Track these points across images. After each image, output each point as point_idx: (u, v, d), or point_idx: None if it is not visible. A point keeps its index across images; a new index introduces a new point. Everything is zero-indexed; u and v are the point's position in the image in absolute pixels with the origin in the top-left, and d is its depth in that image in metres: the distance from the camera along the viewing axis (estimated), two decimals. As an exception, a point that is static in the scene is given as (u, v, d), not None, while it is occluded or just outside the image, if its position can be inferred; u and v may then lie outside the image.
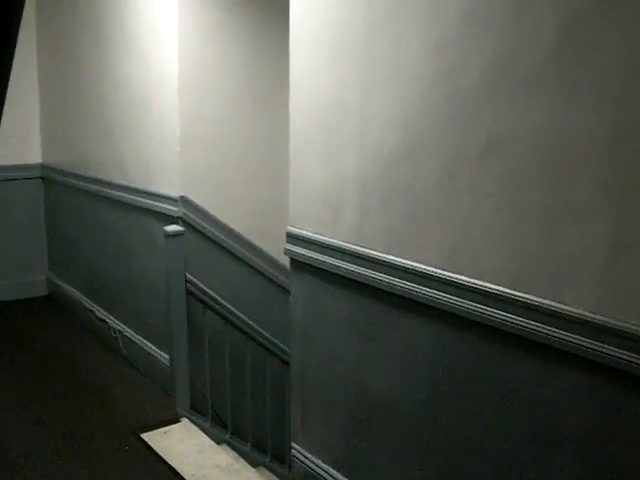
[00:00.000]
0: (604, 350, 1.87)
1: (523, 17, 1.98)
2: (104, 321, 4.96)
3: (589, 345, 1.91)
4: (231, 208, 4.18)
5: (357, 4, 2.52)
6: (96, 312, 5.08)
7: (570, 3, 1.86)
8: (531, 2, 1.96)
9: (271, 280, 4.26)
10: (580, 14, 1.85)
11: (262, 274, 4.26)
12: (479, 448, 2.30)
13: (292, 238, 2.99)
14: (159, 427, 3.75)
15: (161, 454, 3.48)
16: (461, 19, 2.16)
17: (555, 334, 1.99)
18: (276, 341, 3.84)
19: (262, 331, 3.86)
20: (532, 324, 2.04)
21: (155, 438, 3.64)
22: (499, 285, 2.14)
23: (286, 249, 3.04)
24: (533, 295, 2.04)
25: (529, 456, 2.14)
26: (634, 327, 1.81)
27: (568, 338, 1.96)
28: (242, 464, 3.63)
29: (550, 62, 1.92)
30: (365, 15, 2.49)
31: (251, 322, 3.85)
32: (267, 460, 3.95)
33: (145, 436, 3.65)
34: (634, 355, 1.81)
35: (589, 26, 1.83)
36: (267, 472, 3.89)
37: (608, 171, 1.83)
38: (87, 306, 5.22)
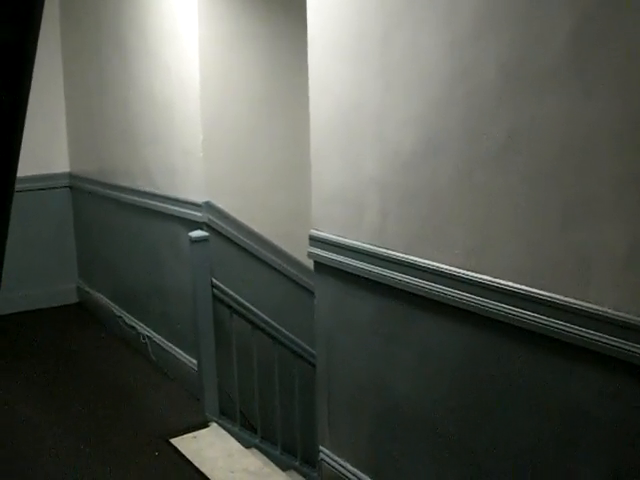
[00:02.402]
0: (628, 348, 1.85)
1: (537, 14, 1.97)
2: (133, 327, 4.99)
3: (613, 343, 1.89)
4: (255, 212, 4.19)
5: (373, 5, 2.52)
6: (125, 319, 5.12)
7: (585, -3, 1.85)
8: (546, -2, 1.94)
9: (297, 283, 4.26)
10: (593, 8, 1.83)
11: (287, 277, 4.26)
12: (506, 449, 2.28)
13: (315, 241, 2.99)
14: (188, 432, 3.76)
15: (190, 459, 3.50)
16: (476, 18, 2.15)
17: (578, 332, 1.97)
18: (303, 344, 3.84)
19: (289, 334, 3.86)
20: (555, 322, 2.03)
21: (184, 443, 3.66)
22: (521, 284, 2.12)
23: (309, 252, 3.04)
24: (555, 293, 2.03)
25: (555, 456, 2.12)
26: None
27: (591, 336, 1.94)
28: (272, 468, 3.64)
29: (565, 58, 1.91)
30: (381, 15, 2.49)
31: (278, 325, 3.85)
32: (297, 463, 3.95)
33: (174, 441, 3.67)
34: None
35: (603, 19, 1.81)
36: (297, 475, 3.89)
37: (628, 167, 1.80)
38: (116, 313, 5.26)
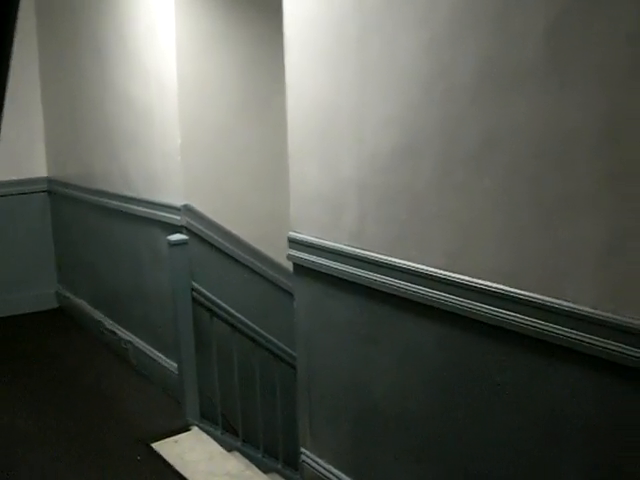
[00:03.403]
0: (606, 345, 1.86)
1: (514, 12, 1.98)
2: (113, 332, 4.97)
3: (591, 341, 1.90)
4: (235, 215, 4.18)
5: (349, 6, 2.52)
6: (105, 323, 5.09)
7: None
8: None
9: (277, 285, 4.25)
10: (568, 8, 1.84)
11: (267, 279, 4.26)
12: (486, 449, 2.28)
13: (294, 243, 2.99)
14: (169, 436, 3.75)
15: (172, 463, 3.48)
16: (453, 18, 2.15)
17: (557, 331, 1.97)
18: (284, 346, 3.83)
19: (269, 337, 3.85)
20: (535, 322, 2.03)
21: (165, 447, 3.64)
22: (500, 283, 2.13)
23: (288, 254, 3.04)
24: (534, 292, 2.03)
25: (535, 454, 2.13)
26: (636, 321, 1.79)
27: (571, 335, 1.94)
28: (253, 471, 3.63)
29: (543, 56, 1.92)
30: (358, 17, 2.49)
31: (258, 328, 3.84)
32: (279, 466, 3.95)
33: (155, 445, 3.65)
34: (637, 350, 1.80)
35: (580, 16, 1.82)
36: (279, 478, 3.88)
37: (606, 164, 1.81)
38: (96, 317, 5.23)
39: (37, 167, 5.82)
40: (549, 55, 1.90)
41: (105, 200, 4.80)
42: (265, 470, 3.78)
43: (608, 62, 1.77)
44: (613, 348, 1.85)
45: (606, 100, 1.79)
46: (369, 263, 2.60)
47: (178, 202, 3.96)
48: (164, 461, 3.51)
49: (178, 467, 3.45)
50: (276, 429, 3.94)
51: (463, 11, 2.12)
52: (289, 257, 3.04)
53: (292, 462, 3.96)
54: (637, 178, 1.75)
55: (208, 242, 4.07)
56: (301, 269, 2.99)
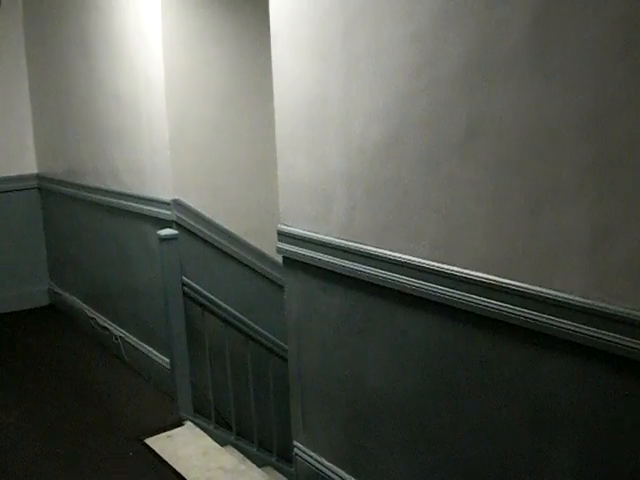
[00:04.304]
0: (595, 334, 1.86)
1: (497, 4, 1.97)
2: (106, 328, 4.96)
3: (580, 330, 1.89)
4: (225, 209, 4.17)
5: (335, 0, 2.51)
6: (98, 319, 5.08)
7: (543, -14, 1.85)
8: (505, -13, 1.94)
9: (268, 279, 4.25)
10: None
11: (259, 273, 4.25)
12: (479, 437, 2.29)
13: (283, 236, 2.98)
14: (163, 431, 3.75)
15: (165, 458, 3.48)
16: (437, 10, 2.14)
17: (546, 320, 1.97)
18: (276, 339, 3.83)
19: (261, 330, 3.85)
20: (523, 311, 2.03)
21: (159, 442, 3.64)
22: (489, 274, 2.13)
23: (278, 247, 3.03)
24: (523, 282, 2.03)
25: (527, 443, 2.13)
26: (624, 310, 1.79)
27: (559, 324, 1.94)
28: (248, 465, 3.63)
29: (527, 46, 1.91)
30: (343, 9, 2.48)
31: (250, 322, 3.84)
32: (273, 460, 3.95)
33: (149, 441, 3.65)
34: (625, 338, 1.79)
35: (562, 8, 1.81)
36: (274, 472, 3.88)
37: (590, 152, 1.81)
38: (88, 314, 5.22)
39: (27, 164, 5.81)
40: (534, 45, 1.89)
41: (95, 196, 4.78)
42: (259, 464, 3.78)
43: (592, 52, 1.77)
44: (602, 337, 1.84)
45: (591, 89, 1.78)
46: (359, 255, 2.59)
47: (168, 197, 3.95)
48: (157, 456, 3.50)
49: (172, 462, 3.45)
50: (270, 423, 3.94)
51: (448, 2, 2.11)
52: (279, 250, 3.03)
53: (287, 455, 3.96)
54: (623, 167, 1.74)
55: (199, 236, 4.06)
56: (291, 262, 2.98)
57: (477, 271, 2.16)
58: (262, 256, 4.21)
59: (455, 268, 2.23)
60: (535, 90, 1.90)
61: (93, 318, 5.14)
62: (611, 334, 1.82)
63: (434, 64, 2.18)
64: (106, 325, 4.96)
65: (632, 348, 1.78)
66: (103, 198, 4.67)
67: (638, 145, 1.71)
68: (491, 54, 2.00)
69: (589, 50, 1.77)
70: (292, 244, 2.92)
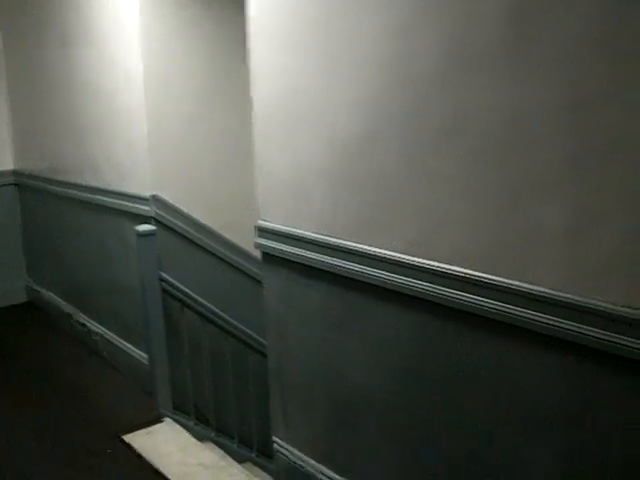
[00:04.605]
0: (573, 328, 1.86)
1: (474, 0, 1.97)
2: (84, 325, 4.93)
3: (557, 323, 1.89)
4: (204, 204, 4.15)
5: (313, -8, 2.50)
6: (76, 316, 5.05)
7: (520, -21, 1.85)
8: (482, -20, 1.94)
9: (247, 274, 4.24)
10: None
11: (237, 268, 4.24)
12: (459, 433, 2.29)
13: (262, 231, 2.96)
14: (141, 428, 3.73)
15: (144, 455, 3.46)
16: (416, 3, 2.13)
17: (524, 314, 1.97)
18: (255, 335, 3.82)
19: (240, 326, 3.84)
20: (503, 306, 2.03)
21: (137, 439, 3.62)
22: (468, 268, 2.12)
23: (256, 242, 3.01)
24: (501, 276, 2.03)
25: (507, 437, 2.13)
26: (600, 303, 1.79)
27: (537, 317, 1.94)
28: (227, 461, 3.62)
29: (502, 42, 1.91)
30: (322, 1, 2.47)
31: (229, 317, 3.83)
32: (253, 455, 3.94)
33: (127, 438, 3.63)
34: (601, 331, 1.80)
35: (539, 3, 1.81)
36: (254, 468, 3.87)
37: (567, 147, 1.81)
38: (67, 311, 5.19)
39: (4, 160, 5.76)
40: (512, 40, 1.89)
41: (73, 192, 4.75)
42: (240, 460, 3.77)
43: (570, 46, 1.77)
44: (580, 330, 1.85)
45: (568, 84, 1.78)
46: (339, 251, 2.58)
47: (146, 192, 3.92)
48: (136, 453, 3.49)
49: (151, 459, 3.43)
50: (250, 418, 3.93)
51: (419, 2, 2.11)
52: (257, 245, 3.02)
53: (267, 451, 3.95)
54: (600, 162, 1.75)
55: (177, 232, 4.04)
56: (270, 257, 2.97)
57: (456, 266, 2.15)
58: (240, 251, 4.20)
59: (434, 263, 2.22)
60: (514, 84, 1.90)
61: (71, 315, 5.11)
62: (587, 327, 1.83)
63: (413, 58, 2.17)
64: (84, 322, 4.93)
65: (608, 341, 1.79)
66: (81, 194, 4.63)
67: (615, 139, 1.71)
68: (470, 48, 2.00)
69: (567, 44, 1.77)
70: (271, 239, 2.91)
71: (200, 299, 3.80)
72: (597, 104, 1.73)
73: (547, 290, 1.91)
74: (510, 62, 1.90)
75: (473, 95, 2.01)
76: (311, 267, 2.74)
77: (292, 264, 2.83)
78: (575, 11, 1.74)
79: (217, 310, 3.81)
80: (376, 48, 2.28)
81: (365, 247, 2.46)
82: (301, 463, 3.02)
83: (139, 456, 3.46)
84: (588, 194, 1.79)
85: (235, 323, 3.83)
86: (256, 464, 3.91)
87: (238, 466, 3.61)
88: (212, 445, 3.80)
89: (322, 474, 2.91)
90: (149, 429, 3.72)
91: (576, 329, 1.85)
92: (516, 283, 1.98)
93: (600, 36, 1.71)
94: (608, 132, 1.72)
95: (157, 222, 3.90)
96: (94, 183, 4.46)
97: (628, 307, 1.75)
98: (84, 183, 4.58)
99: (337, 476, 2.85)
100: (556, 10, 1.78)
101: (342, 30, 2.41)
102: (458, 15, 2.02)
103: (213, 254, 4.16)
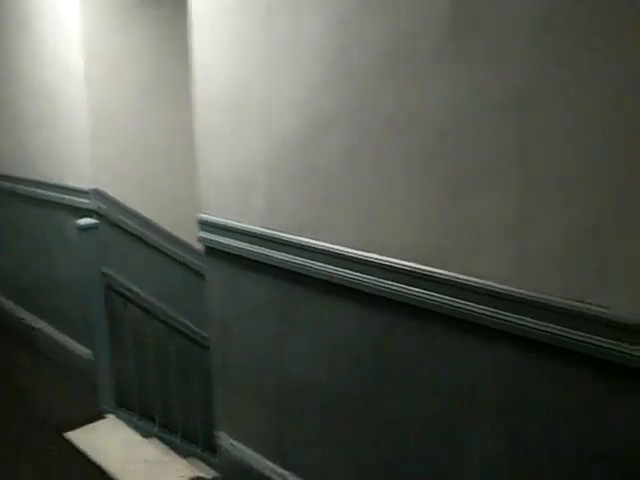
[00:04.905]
0: (516, 321, 1.88)
1: (416, -9, 1.97)
2: (25, 320, 4.84)
3: (501, 317, 1.91)
4: (148, 198, 4.10)
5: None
6: (18, 313, 4.96)
7: (459, -26, 1.86)
8: (422, -25, 1.95)
9: (191, 268, 4.21)
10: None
11: (181, 263, 4.21)
12: (403, 426, 2.30)
13: (204, 225, 2.94)
14: (84, 424, 3.68)
15: (86, 452, 3.42)
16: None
17: (468, 307, 1.99)
18: (199, 330, 3.79)
19: (184, 321, 3.81)
20: (445, 299, 2.04)
21: (80, 436, 3.57)
22: (411, 262, 2.13)
23: (199, 236, 2.99)
24: (444, 269, 2.04)
25: (451, 431, 2.15)
26: (544, 296, 1.82)
27: (482, 311, 1.96)
28: (171, 456, 3.59)
29: (448, 35, 1.92)
30: (263, -5, 2.46)
31: (173, 312, 3.80)
32: (199, 451, 3.92)
33: (70, 434, 3.58)
34: (546, 324, 1.82)
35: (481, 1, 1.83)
36: (199, 462, 3.85)
37: (512, 139, 1.83)
38: (8, 307, 5.09)
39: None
40: (454, 34, 1.90)
41: (14, 185, 4.66)
42: (184, 455, 3.75)
43: (512, 38, 1.79)
44: (522, 323, 1.87)
45: (511, 76, 1.80)
46: (280, 243, 2.57)
47: (87, 186, 3.87)
48: (78, 450, 3.44)
49: (93, 456, 3.39)
50: (195, 414, 3.91)
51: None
52: (199, 239, 3.00)
53: (212, 446, 3.93)
54: (543, 153, 1.77)
55: (120, 227, 3.99)
56: (212, 251, 2.95)
57: (399, 259, 2.16)
58: (185, 246, 4.17)
59: (376, 256, 2.23)
60: (456, 76, 1.91)
61: (14, 311, 5.02)
62: (532, 320, 1.85)
63: (355, 53, 2.17)
64: (25, 317, 4.85)
65: (552, 334, 1.82)
66: (22, 187, 4.55)
67: (558, 132, 1.74)
68: (412, 41, 2.00)
69: (509, 36, 1.79)
70: (214, 233, 2.89)
71: (144, 294, 3.76)
72: (540, 96, 1.76)
73: (490, 283, 1.93)
74: (452, 54, 1.91)
75: (417, 88, 2.02)
76: (255, 261, 2.73)
77: (235, 258, 2.82)
78: (517, 3, 1.76)
79: (161, 305, 3.77)
80: (320, 41, 2.28)
81: (310, 241, 2.46)
82: (245, 457, 3.02)
83: (81, 453, 3.42)
84: (531, 186, 1.81)
85: (180, 318, 3.80)
86: (201, 459, 3.88)
87: (182, 461, 3.58)
88: (156, 441, 3.77)
89: (266, 468, 2.91)
90: (91, 426, 3.68)
91: (521, 322, 1.87)
92: (461, 276, 2.00)
93: (542, 28, 1.73)
94: (550, 124, 1.75)
95: (100, 216, 3.85)
96: (34, 177, 4.38)
97: (571, 300, 1.78)
98: (25, 177, 4.50)
99: (282, 470, 2.85)
100: (496, 9, 1.80)
101: (285, 25, 2.40)
102: (400, 9, 2.02)
103: (158, 249, 4.13)
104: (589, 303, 1.75)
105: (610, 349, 1.72)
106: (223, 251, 2.87)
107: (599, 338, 1.74)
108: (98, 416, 3.76)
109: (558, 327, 1.81)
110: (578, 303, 1.76)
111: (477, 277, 1.97)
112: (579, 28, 1.67)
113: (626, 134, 1.63)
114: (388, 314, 2.27)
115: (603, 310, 1.73)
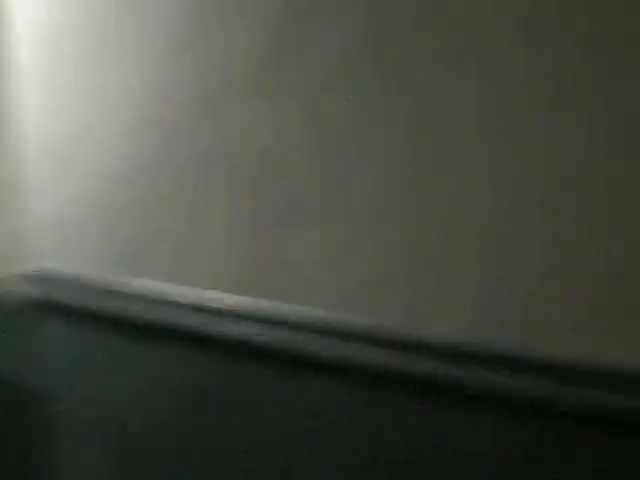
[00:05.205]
0: (342, 351, 1.88)
1: (230, 24, 1.99)
2: None
3: (328, 348, 1.91)
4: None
5: (68, 18, 2.41)
6: None
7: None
8: (235, 9, 1.96)
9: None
10: (287, 24, 1.88)
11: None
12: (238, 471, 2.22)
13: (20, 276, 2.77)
14: None
15: None
16: (168, 35, 2.14)
17: (292, 339, 1.98)
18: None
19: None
20: (271, 333, 2.02)
21: None
22: (234, 294, 2.10)
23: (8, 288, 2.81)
24: (270, 300, 2.03)
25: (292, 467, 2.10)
26: (363, 323, 1.84)
27: (305, 342, 1.95)
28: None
29: (255, 74, 1.96)
30: (77, 31, 2.39)
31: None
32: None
33: None
34: (369, 350, 1.84)
35: (296, 30, 1.86)
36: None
37: (319, 170, 1.87)
38: None
39: None
40: (266, 72, 1.93)
41: None
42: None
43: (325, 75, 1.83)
44: (345, 352, 1.87)
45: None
46: (95, 289, 2.47)
47: None
48: None
49: None
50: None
51: (179, 28, 2.10)
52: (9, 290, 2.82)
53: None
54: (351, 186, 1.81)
55: None
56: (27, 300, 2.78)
57: (218, 295, 2.13)
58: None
59: (192, 295, 2.19)
60: (273, 111, 1.95)
61: None
62: (358, 347, 1.86)
63: (165, 92, 2.17)
64: None
65: (375, 364, 1.83)
66: None
67: (367, 161, 1.78)
68: (220, 81, 2.03)
69: (320, 74, 1.83)
70: (25, 281, 2.73)
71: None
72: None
73: (315, 312, 1.93)
74: (267, 91, 1.95)
75: (230, 125, 2.04)
76: (66, 308, 2.57)
77: (47, 306, 2.66)
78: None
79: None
80: (130, 82, 2.25)
81: (127, 284, 2.38)
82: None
83: None
84: (346, 216, 1.84)
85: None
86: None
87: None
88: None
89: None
90: None
91: (344, 351, 1.87)
92: (277, 312, 2.00)
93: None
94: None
95: None
96: None
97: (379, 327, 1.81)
98: None
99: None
100: (308, 49, 1.85)
101: (96, 63, 2.36)
102: (208, 48, 2.04)
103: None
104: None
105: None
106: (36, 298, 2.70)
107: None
108: None
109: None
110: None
111: (299, 305, 1.97)
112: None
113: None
114: (215, 355, 2.20)
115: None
